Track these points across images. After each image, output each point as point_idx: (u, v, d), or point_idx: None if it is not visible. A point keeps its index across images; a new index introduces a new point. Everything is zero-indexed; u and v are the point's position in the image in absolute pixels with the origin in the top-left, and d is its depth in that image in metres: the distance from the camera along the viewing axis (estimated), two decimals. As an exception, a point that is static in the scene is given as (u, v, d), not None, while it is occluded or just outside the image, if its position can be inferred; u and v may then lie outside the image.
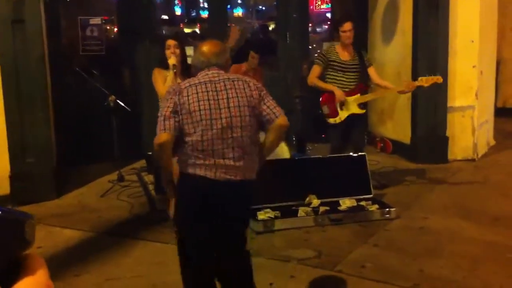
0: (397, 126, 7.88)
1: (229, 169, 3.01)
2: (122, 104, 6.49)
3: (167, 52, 4.88)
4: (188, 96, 3.01)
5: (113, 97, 6.45)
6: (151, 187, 6.26)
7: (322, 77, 6.00)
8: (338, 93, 5.83)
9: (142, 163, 7.14)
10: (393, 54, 7.89)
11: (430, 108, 7.23)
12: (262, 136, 3.23)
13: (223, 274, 3.27)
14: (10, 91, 5.78)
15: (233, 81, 3.10)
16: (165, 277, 4.08)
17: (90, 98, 7.11)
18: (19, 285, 0.56)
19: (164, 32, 8.98)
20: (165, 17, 10.28)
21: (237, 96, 3.04)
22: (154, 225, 5.17)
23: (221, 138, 2.99)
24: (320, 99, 5.97)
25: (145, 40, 7.80)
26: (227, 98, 3.03)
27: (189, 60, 4.87)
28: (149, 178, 6.53)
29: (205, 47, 3.20)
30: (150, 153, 6.77)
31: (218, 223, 3.13)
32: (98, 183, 6.61)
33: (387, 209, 5.30)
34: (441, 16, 7.09)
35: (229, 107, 3.01)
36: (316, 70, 5.97)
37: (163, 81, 4.77)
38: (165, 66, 4.86)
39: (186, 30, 10.22)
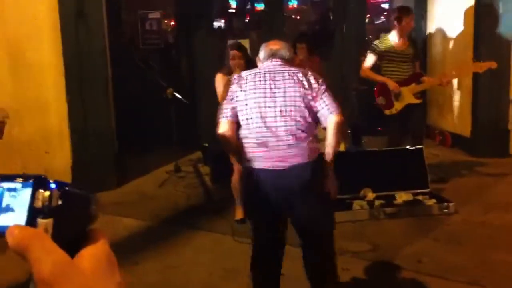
0: (457, 119, 7.70)
1: (281, 156, 3.03)
2: (180, 97, 6.61)
3: (232, 62, 4.91)
4: (246, 84, 3.10)
5: (171, 89, 6.58)
6: (207, 178, 6.37)
7: (376, 68, 5.94)
8: (392, 84, 5.77)
9: (198, 154, 7.26)
10: (453, 45, 7.69)
11: (491, 100, 7.02)
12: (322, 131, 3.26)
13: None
14: (73, 82, 5.99)
15: (293, 72, 3.13)
16: (223, 266, 4.16)
17: (149, 90, 7.27)
18: (83, 252, 0.62)
19: (228, 23, 9.04)
20: (232, 10, 10.34)
21: (294, 87, 3.06)
22: (211, 216, 5.26)
23: (275, 127, 3.03)
24: (375, 91, 5.92)
25: (203, 34, 7.90)
26: (284, 87, 3.06)
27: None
28: (205, 169, 6.64)
29: (271, 43, 3.30)
30: (206, 144, 6.88)
31: (286, 208, 3.17)
32: (156, 173, 6.77)
33: (445, 204, 5.20)
34: (504, 5, 6.86)
35: (284, 97, 3.05)
36: (369, 61, 5.93)
37: (227, 87, 4.81)
38: (228, 72, 4.91)
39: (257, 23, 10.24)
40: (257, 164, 3.06)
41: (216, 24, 9.09)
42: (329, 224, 3.30)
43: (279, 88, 3.06)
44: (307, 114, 3.07)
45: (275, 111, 3.03)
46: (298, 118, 3.04)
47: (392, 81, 5.78)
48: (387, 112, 5.88)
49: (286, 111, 3.03)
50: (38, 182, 0.62)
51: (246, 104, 3.06)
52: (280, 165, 3.04)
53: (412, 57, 5.89)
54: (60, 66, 5.94)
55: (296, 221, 3.24)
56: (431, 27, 8.31)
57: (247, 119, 3.07)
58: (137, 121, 7.37)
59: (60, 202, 0.61)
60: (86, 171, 5.97)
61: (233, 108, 3.09)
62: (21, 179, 0.62)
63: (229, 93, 3.14)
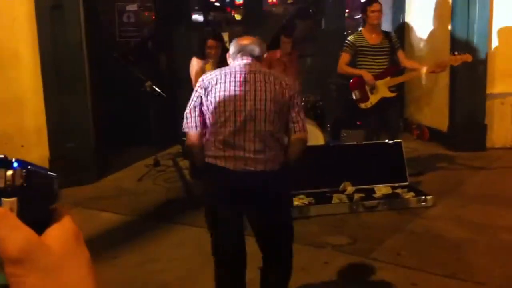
0: (435, 113, 7.77)
1: (248, 161, 2.98)
2: (158, 90, 6.55)
3: (208, 51, 4.91)
4: (216, 85, 3.00)
5: (149, 82, 6.51)
6: (186, 172, 6.34)
7: (352, 65, 5.94)
8: (367, 76, 5.77)
9: (177, 148, 7.22)
10: (431, 41, 7.75)
11: (469, 95, 7.10)
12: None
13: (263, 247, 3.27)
14: (49, 76, 5.90)
15: (264, 74, 3.06)
16: (201, 259, 4.14)
17: (127, 84, 7.19)
18: (49, 231, 0.62)
19: (212, 18, 9.00)
20: (217, 4, 10.29)
21: (265, 90, 2.99)
22: (190, 210, 5.23)
23: (244, 130, 2.97)
24: (350, 84, 5.92)
25: (182, 27, 7.84)
26: (255, 90, 2.99)
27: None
28: (184, 163, 6.61)
29: (241, 38, 3.22)
30: (185, 138, 6.84)
31: (246, 209, 3.14)
32: (135, 168, 6.72)
33: (423, 197, 5.25)
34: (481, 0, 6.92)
35: (255, 100, 2.98)
36: (344, 58, 5.91)
37: (200, 73, 4.82)
38: (203, 57, 4.93)
39: (237, 17, 10.16)
40: (220, 163, 2.99)
41: (195, 17, 9.03)
42: (288, 237, 3.25)
43: (249, 90, 2.99)
44: (277, 117, 3.01)
45: (244, 115, 2.97)
46: (268, 124, 2.99)
47: (367, 73, 5.79)
48: (362, 105, 5.90)
49: (255, 115, 2.97)
50: None
51: (215, 107, 2.98)
52: (244, 168, 2.98)
53: (388, 51, 5.89)
54: (36, 59, 5.85)
55: (255, 229, 3.22)
56: (409, 20, 8.35)
57: (215, 122, 2.99)
58: (116, 115, 7.29)
59: (23, 181, 0.61)
60: (64, 165, 5.89)
61: (200, 115, 3.02)
62: None
63: (195, 98, 3.04)
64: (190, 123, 3.04)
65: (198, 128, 3.03)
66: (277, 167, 3.05)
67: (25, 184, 0.61)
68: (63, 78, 5.93)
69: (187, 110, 3.07)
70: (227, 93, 2.99)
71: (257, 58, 3.13)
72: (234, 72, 3.04)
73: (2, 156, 0.62)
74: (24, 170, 0.61)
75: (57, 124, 5.98)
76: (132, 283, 3.95)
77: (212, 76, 3.06)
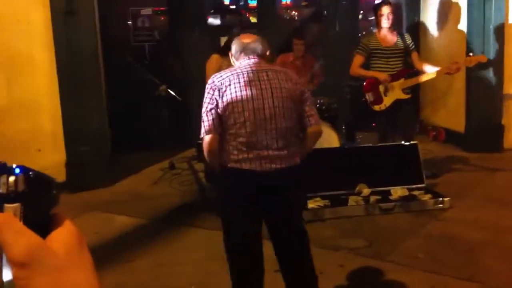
0: (451, 115, 7.70)
1: (273, 158, 2.98)
2: (173, 94, 6.58)
3: None
4: (230, 85, 2.96)
5: (164, 86, 6.55)
6: (201, 175, 6.35)
7: (365, 67, 5.90)
8: (382, 76, 5.71)
9: (192, 151, 7.23)
10: (446, 41, 7.69)
11: (485, 95, 7.02)
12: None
13: (281, 252, 3.24)
14: (65, 81, 5.95)
15: (275, 72, 3.08)
16: (216, 262, 4.14)
17: (142, 88, 7.23)
18: (52, 235, 0.63)
19: (227, 21, 9.03)
20: (232, 6, 10.33)
21: (280, 87, 3.01)
22: (205, 213, 5.23)
23: (264, 129, 2.96)
24: (363, 87, 5.87)
25: (197, 30, 7.86)
26: (271, 88, 2.99)
27: None
28: (199, 166, 6.62)
29: (244, 37, 3.20)
30: (200, 141, 6.86)
31: (270, 209, 3.12)
32: (150, 171, 6.74)
33: (440, 199, 5.20)
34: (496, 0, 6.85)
35: (272, 98, 2.98)
36: (358, 60, 5.85)
37: (216, 70, 4.82)
38: (226, 54, 4.94)
39: (252, 20, 10.18)
40: (245, 166, 2.96)
41: (211, 20, 9.06)
42: (305, 235, 3.24)
43: (265, 88, 2.98)
44: (294, 113, 3.06)
45: (264, 113, 2.96)
46: (287, 120, 3.01)
47: (382, 74, 5.74)
48: (376, 108, 5.85)
49: (274, 112, 2.97)
50: (1, 168, 0.62)
51: (232, 108, 2.93)
52: (271, 167, 2.98)
53: (402, 52, 5.84)
54: (52, 65, 5.90)
55: (272, 228, 3.19)
56: (423, 21, 8.30)
57: (234, 123, 2.94)
58: (131, 119, 7.32)
59: (26, 187, 0.62)
60: (80, 169, 5.94)
61: (216, 118, 2.94)
62: None
63: (209, 101, 2.96)
64: (207, 127, 2.96)
65: (215, 132, 2.96)
66: (298, 161, 3.11)
67: (27, 190, 0.62)
68: (78, 83, 5.97)
69: (203, 115, 2.98)
70: (243, 93, 2.95)
71: (261, 56, 3.13)
72: (246, 72, 3.01)
73: (2, 163, 0.63)
74: (25, 176, 0.62)
75: (73, 128, 6.02)
76: (148, 286, 3.96)
77: (223, 77, 3.01)
